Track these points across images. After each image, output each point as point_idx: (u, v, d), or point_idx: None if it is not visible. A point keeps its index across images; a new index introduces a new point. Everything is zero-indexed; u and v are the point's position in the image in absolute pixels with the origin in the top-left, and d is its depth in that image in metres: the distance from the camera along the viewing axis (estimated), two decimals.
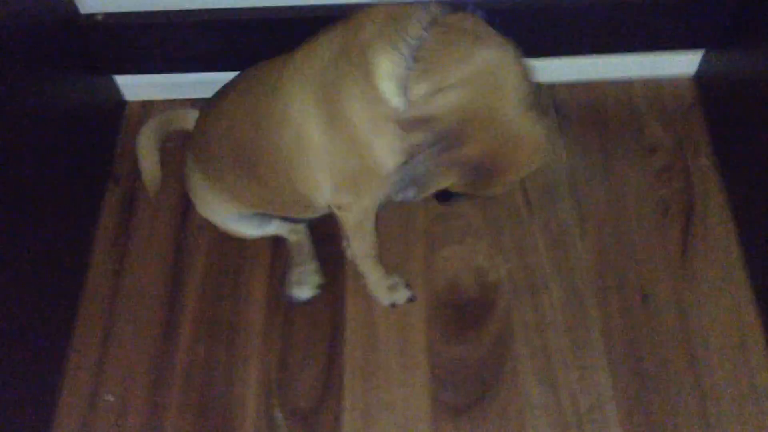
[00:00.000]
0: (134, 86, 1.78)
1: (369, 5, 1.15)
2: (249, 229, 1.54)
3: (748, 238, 1.54)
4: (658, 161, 1.67)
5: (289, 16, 1.56)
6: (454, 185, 1.08)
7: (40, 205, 1.45)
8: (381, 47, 1.09)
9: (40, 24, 1.48)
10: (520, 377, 1.45)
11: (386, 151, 1.14)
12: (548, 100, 1.13)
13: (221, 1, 1.57)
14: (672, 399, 1.42)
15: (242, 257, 1.61)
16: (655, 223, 1.60)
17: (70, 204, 1.57)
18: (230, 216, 1.50)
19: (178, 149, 1.69)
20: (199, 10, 1.58)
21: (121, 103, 1.80)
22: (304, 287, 1.55)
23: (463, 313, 1.52)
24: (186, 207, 1.64)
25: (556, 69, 1.76)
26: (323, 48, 1.17)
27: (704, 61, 1.73)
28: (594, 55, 1.74)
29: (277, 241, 1.61)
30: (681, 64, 1.76)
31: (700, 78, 1.76)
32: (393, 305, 1.53)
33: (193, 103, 1.73)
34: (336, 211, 1.33)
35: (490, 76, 1.02)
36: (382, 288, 1.52)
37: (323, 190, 1.29)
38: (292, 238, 1.58)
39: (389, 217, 1.63)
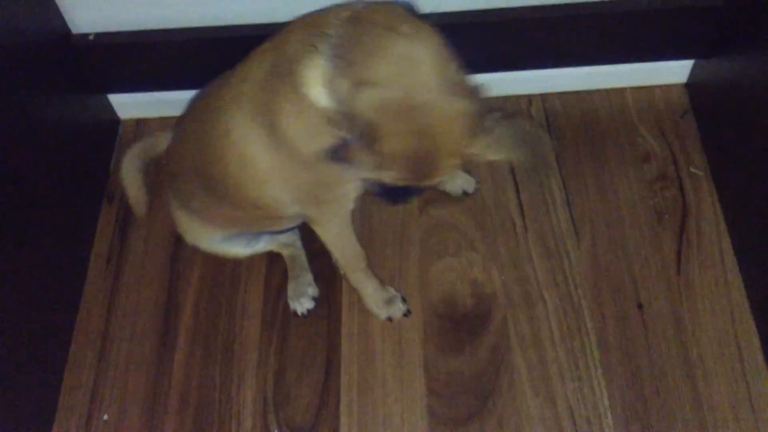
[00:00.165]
0: (128, 104, 1.78)
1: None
2: (238, 248, 1.55)
3: (742, 244, 1.55)
4: (651, 169, 1.68)
5: None
6: (396, 179, 1.06)
7: (36, 223, 1.45)
8: (304, 55, 1.09)
9: (33, 45, 1.49)
10: (517, 389, 1.45)
11: (327, 164, 1.11)
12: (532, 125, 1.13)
13: (213, 19, 1.57)
14: (669, 408, 1.41)
15: (237, 273, 1.61)
16: (649, 231, 1.60)
17: (65, 223, 1.58)
18: (213, 239, 1.51)
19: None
20: (191, 28, 1.59)
21: (114, 122, 1.81)
22: (302, 299, 1.55)
23: (459, 325, 1.52)
24: None
25: (549, 80, 1.77)
26: (256, 68, 1.18)
27: (695, 70, 1.74)
28: (586, 66, 1.75)
29: (272, 256, 1.61)
30: (672, 72, 1.76)
31: (691, 86, 1.77)
32: (390, 319, 1.53)
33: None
34: (311, 225, 1.33)
35: (404, 66, 1.00)
36: (379, 302, 1.52)
37: (284, 202, 1.29)
38: (285, 252, 1.59)
39: (383, 230, 1.63)
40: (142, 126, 1.80)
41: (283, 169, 1.21)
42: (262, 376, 1.49)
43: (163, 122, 1.77)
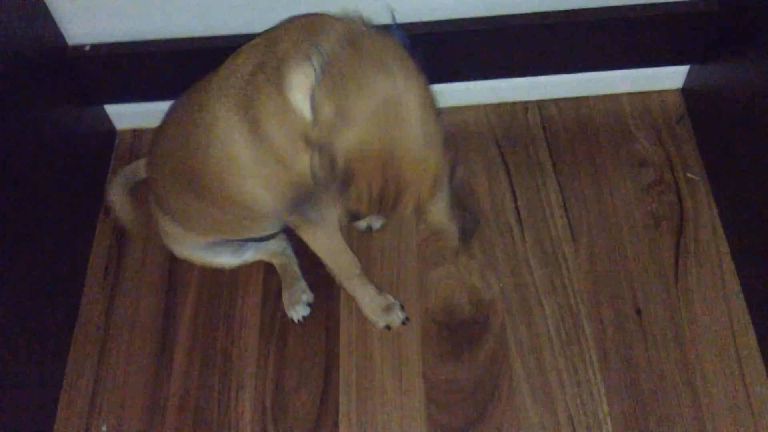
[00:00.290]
0: (124, 115, 1.79)
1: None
2: (224, 257, 1.55)
3: (739, 248, 1.55)
4: (648, 175, 1.68)
5: None
6: (361, 210, 1.08)
7: (32, 234, 1.45)
8: (294, 59, 1.09)
9: (29, 56, 1.49)
10: (516, 396, 1.44)
11: (307, 166, 1.11)
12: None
13: (210, 29, 1.58)
14: (668, 413, 1.41)
15: (234, 284, 1.60)
16: (646, 237, 1.60)
17: (62, 233, 1.57)
18: (197, 246, 1.51)
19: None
20: (188, 39, 1.59)
21: (111, 132, 1.81)
22: (297, 307, 1.55)
23: (458, 333, 1.52)
24: None
25: (545, 86, 1.77)
26: (244, 63, 1.18)
27: (690, 75, 1.74)
28: (582, 72, 1.75)
29: (269, 265, 1.61)
30: (668, 78, 1.77)
31: (687, 91, 1.77)
32: (388, 328, 1.53)
33: None
34: (298, 233, 1.33)
35: (390, 113, 1.00)
36: (376, 309, 1.52)
37: (265, 201, 1.27)
38: (276, 261, 1.59)
39: (380, 238, 1.63)
40: (138, 136, 1.81)
41: (263, 167, 1.20)
42: (261, 386, 1.49)
43: None
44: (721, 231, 1.59)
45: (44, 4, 1.51)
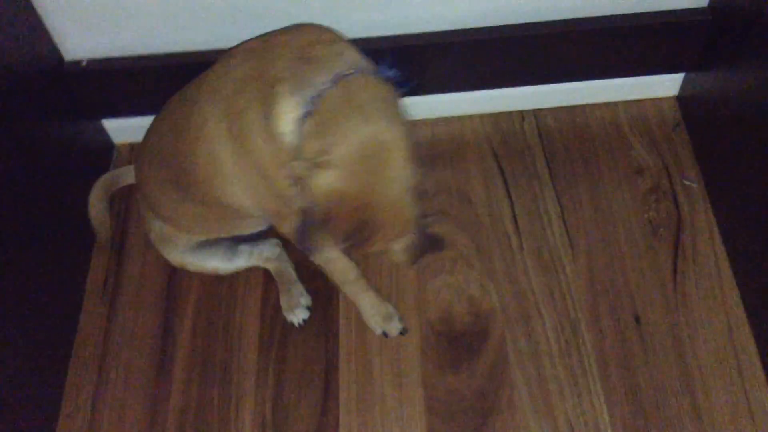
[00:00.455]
0: (121, 129, 1.79)
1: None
2: (215, 262, 1.54)
3: (737, 255, 1.55)
4: (645, 182, 1.68)
5: None
6: (332, 243, 1.12)
7: (31, 249, 1.45)
8: (288, 86, 1.10)
9: (26, 72, 1.49)
10: (516, 406, 1.44)
11: (287, 186, 1.14)
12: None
13: (206, 44, 1.58)
14: (669, 421, 1.41)
15: (233, 296, 1.60)
16: (644, 244, 1.60)
17: (61, 247, 1.57)
18: (188, 247, 1.50)
19: None
20: (184, 53, 1.59)
21: (109, 146, 1.81)
22: (296, 311, 1.55)
23: (457, 343, 1.52)
24: None
25: (541, 96, 1.78)
26: (237, 67, 1.18)
27: (686, 82, 1.75)
28: (578, 81, 1.76)
29: (268, 275, 1.61)
30: (663, 86, 1.78)
31: (682, 99, 1.78)
32: (385, 335, 1.53)
33: None
34: (291, 240, 1.34)
35: (372, 163, 1.04)
36: (376, 315, 1.52)
37: (247, 207, 1.31)
38: (271, 266, 1.59)
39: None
40: (136, 150, 1.81)
41: (247, 176, 1.22)
42: (261, 398, 1.49)
43: None
44: (718, 237, 1.60)
45: (41, 20, 1.51)
